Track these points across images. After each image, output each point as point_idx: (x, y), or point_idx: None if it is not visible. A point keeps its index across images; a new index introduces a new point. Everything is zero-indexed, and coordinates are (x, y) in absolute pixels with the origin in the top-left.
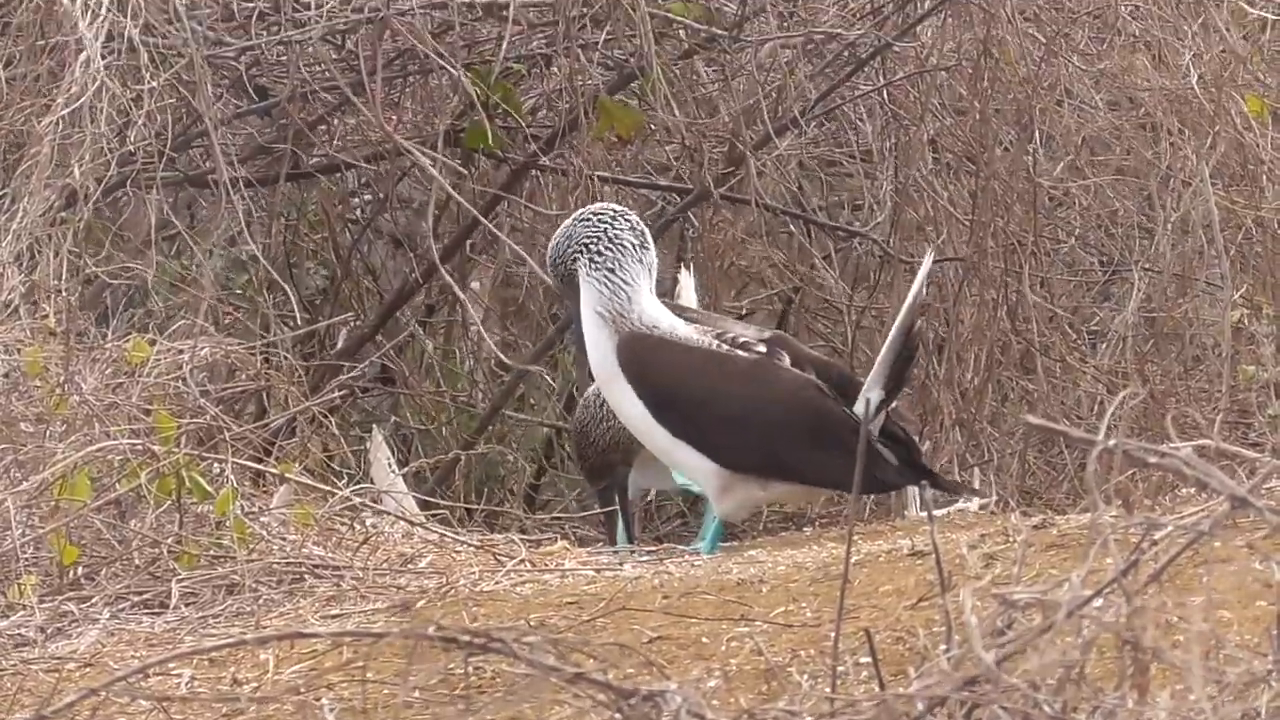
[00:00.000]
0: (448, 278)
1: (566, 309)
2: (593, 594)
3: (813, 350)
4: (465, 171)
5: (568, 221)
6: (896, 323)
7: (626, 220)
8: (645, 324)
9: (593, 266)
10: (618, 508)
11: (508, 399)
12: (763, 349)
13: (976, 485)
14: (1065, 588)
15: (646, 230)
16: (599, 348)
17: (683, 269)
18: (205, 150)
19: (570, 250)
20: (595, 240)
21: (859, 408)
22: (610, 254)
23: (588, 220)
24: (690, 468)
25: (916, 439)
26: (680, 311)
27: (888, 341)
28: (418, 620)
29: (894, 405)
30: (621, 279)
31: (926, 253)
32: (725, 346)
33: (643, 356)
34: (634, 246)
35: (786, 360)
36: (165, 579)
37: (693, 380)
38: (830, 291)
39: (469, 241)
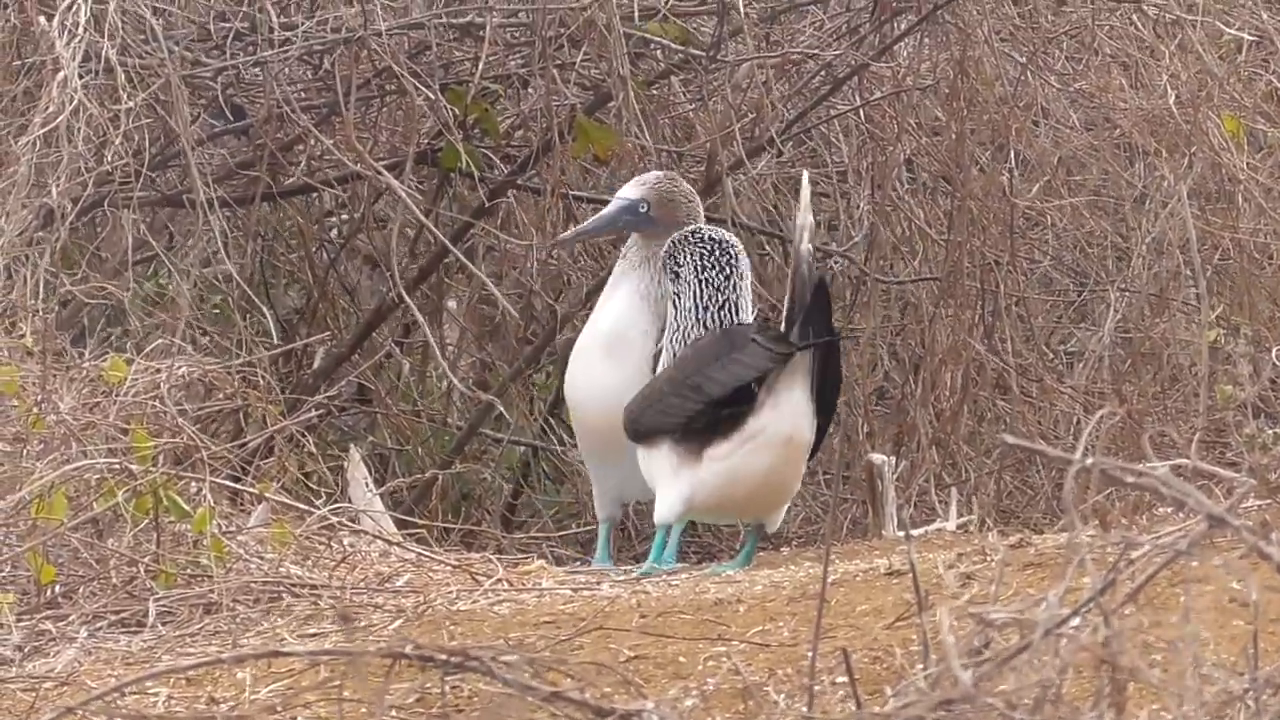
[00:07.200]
0: (414, 309)
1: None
2: (570, 613)
3: None
4: (438, 196)
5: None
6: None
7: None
8: None
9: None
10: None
11: (484, 419)
12: None
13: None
14: (1042, 607)
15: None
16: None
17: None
18: (182, 170)
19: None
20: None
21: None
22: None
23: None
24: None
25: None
26: None
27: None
28: (393, 639)
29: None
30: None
31: (803, 177)
32: None
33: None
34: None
35: None
36: (142, 598)
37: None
38: None
39: (444, 261)
